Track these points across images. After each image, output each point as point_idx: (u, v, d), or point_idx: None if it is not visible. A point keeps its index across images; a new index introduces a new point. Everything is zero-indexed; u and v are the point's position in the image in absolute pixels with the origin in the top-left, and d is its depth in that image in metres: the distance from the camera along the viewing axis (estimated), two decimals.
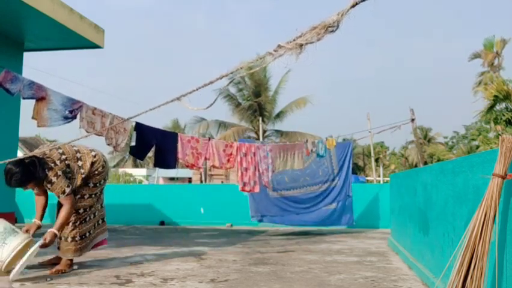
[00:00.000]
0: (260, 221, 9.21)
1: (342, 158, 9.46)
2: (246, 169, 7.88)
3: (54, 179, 4.40)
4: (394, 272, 4.93)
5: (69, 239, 4.76)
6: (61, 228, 4.51)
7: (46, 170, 4.39)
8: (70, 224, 4.73)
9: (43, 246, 4.33)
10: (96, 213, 5.05)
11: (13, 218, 7.66)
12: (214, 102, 2.77)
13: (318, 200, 9.35)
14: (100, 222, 5.17)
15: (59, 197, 4.50)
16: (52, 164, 4.45)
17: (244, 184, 7.91)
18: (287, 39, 2.12)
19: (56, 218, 4.64)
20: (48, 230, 4.44)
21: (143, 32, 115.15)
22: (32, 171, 4.33)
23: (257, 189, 8.08)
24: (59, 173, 4.43)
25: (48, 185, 4.46)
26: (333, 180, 9.39)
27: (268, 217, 9.15)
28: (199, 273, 4.71)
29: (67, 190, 4.45)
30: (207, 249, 6.71)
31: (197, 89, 2.56)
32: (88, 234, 4.93)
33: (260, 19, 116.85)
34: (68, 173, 4.55)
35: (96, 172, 4.82)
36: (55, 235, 4.44)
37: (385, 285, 4.21)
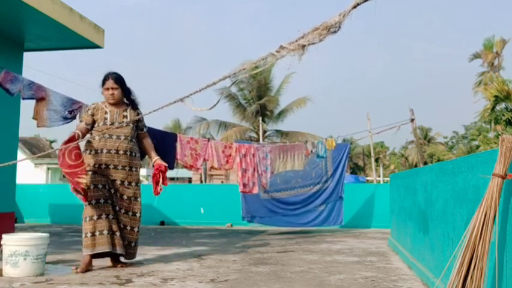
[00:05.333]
0: (250, 221, 9.27)
1: (338, 159, 9.46)
2: (245, 170, 7.89)
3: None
4: (394, 272, 4.94)
5: (83, 235, 4.89)
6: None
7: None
8: (83, 219, 4.91)
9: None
10: (109, 216, 4.98)
11: (13, 218, 7.64)
12: (217, 102, 2.77)
13: (307, 202, 9.36)
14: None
15: (142, 130, 5.60)
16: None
17: (244, 185, 7.92)
18: (289, 40, 2.13)
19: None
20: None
21: (141, 32, 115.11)
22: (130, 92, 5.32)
23: (255, 191, 8.08)
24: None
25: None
26: (325, 181, 9.40)
27: (258, 218, 9.20)
28: (199, 273, 4.72)
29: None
30: (207, 249, 6.72)
31: (200, 90, 2.56)
32: (97, 233, 4.84)
33: (260, 19, 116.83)
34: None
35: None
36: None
37: (385, 285, 4.21)
